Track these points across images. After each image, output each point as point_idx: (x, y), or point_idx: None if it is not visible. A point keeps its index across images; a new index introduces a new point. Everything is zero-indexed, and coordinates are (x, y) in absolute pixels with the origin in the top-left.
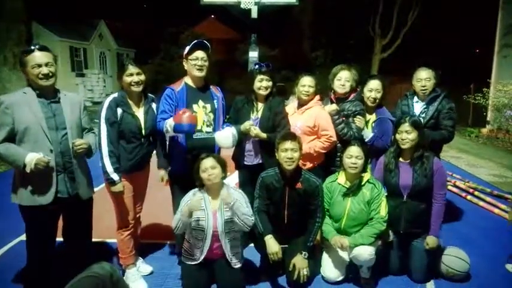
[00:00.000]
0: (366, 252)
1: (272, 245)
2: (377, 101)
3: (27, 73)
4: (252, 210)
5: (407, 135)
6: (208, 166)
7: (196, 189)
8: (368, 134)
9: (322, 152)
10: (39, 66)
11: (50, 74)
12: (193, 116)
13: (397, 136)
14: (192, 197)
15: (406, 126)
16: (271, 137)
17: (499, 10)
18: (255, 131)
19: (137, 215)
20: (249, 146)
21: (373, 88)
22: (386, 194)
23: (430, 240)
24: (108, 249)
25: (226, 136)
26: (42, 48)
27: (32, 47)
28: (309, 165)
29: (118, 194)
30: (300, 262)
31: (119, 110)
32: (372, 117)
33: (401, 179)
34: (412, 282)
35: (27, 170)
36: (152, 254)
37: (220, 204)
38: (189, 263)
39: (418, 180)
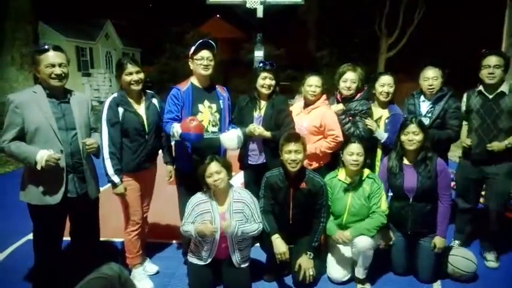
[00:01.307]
0: (365, 241)
1: (279, 245)
2: (390, 95)
3: (39, 72)
4: (259, 212)
5: (414, 136)
6: (213, 171)
7: (201, 192)
8: (382, 134)
9: (328, 152)
10: (53, 66)
11: (63, 75)
12: (201, 125)
13: (403, 137)
14: (200, 199)
15: (413, 127)
16: (275, 135)
17: (506, 10)
18: (259, 130)
19: (144, 215)
20: (253, 145)
21: (385, 83)
22: (391, 195)
23: (438, 241)
24: (115, 248)
25: (231, 138)
26: (56, 48)
27: (46, 47)
28: (315, 165)
29: (120, 195)
30: (305, 262)
31: (120, 109)
32: (384, 113)
33: (405, 181)
34: (419, 282)
35: (38, 167)
36: (158, 253)
37: (229, 206)
38: (196, 262)
39: (423, 182)
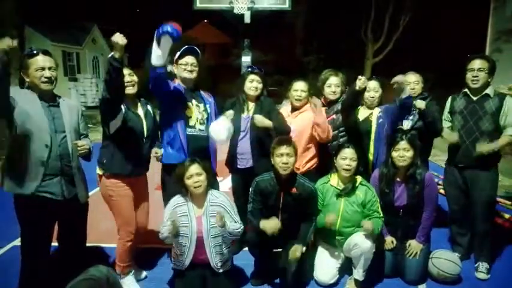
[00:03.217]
0: (368, 241)
1: (268, 221)
2: (376, 100)
3: (28, 75)
4: (237, 215)
5: (405, 153)
6: (193, 173)
7: (179, 195)
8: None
9: (321, 134)
10: (43, 69)
11: (52, 78)
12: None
13: (394, 154)
14: (177, 202)
15: (403, 144)
16: (276, 126)
17: (490, 16)
18: (259, 118)
19: (143, 224)
20: (241, 149)
21: (370, 88)
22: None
23: (413, 244)
24: (104, 253)
25: (220, 130)
26: (46, 53)
27: (36, 51)
28: (303, 167)
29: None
30: (294, 248)
31: (123, 107)
32: (374, 111)
33: (396, 198)
34: (405, 284)
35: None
36: (146, 258)
37: (205, 210)
38: (178, 269)
39: (412, 199)
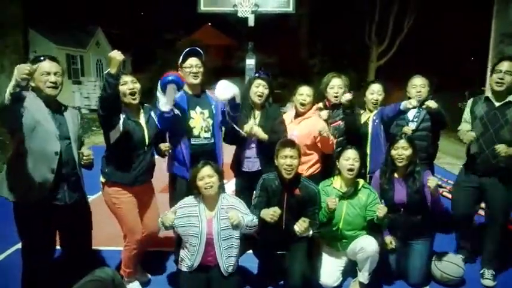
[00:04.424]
0: (374, 244)
1: (268, 209)
2: (379, 103)
3: (33, 79)
4: (251, 214)
5: (403, 151)
6: (205, 174)
7: (192, 196)
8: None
9: (327, 142)
10: (48, 74)
11: (57, 84)
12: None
13: (393, 152)
14: (188, 202)
15: (402, 143)
16: (270, 139)
17: (493, 19)
18: (255, 128)
19: (152, 230)
20: (248, 153)
21: (374, 91)
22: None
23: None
24: (107, 256)
25: (223, 88)
26: (52, 58)
27: (42, 58)
28: (306, 170)
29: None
30: (302, 219)
31: (122, 116)
32: (371, 114)
33: (396, 195)
34: (409, 287)
35: (19, 78)
36: (150, 261)
37: (217, 212)
38: (185, 270)
39: (412, 196)
